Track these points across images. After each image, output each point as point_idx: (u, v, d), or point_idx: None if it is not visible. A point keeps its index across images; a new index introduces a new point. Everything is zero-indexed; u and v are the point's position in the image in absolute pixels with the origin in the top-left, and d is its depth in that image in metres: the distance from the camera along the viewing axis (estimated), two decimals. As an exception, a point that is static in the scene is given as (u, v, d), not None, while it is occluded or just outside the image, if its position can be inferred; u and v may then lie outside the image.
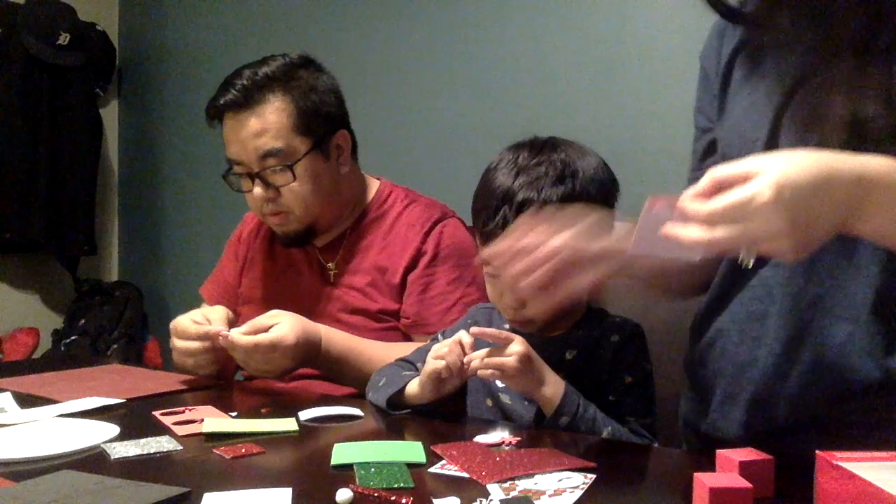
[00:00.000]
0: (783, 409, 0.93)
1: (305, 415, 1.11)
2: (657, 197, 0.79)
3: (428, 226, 1.54)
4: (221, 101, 1.46)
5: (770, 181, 0.69)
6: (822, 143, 0.79)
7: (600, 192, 1.11)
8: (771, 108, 0.92)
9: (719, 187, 0.72)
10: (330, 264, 1.57)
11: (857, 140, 0.81)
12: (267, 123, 1.45)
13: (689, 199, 0.74)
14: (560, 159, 1.10)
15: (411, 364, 1.24)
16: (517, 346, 1.04)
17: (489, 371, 1.04)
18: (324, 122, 1.50)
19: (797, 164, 0.71)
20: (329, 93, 1.53)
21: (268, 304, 1.49)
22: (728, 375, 1.00)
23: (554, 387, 1.06)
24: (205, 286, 1.72)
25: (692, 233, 0.74)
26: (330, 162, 1.52)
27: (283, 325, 1.31)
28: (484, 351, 1.05)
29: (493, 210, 1.09)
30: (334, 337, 1.39)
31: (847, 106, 0.83)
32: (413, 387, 1.13)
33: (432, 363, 1.08)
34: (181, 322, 1.40)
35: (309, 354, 1.34)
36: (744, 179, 0.71)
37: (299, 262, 1.60)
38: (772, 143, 0.92)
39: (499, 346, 1.05)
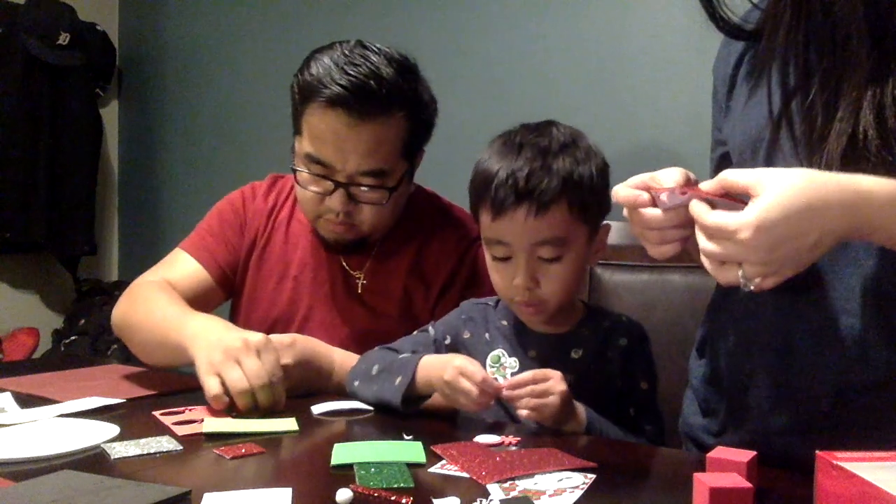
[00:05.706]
0: (783, 409, 0.92)
1: (318, 409, 1.13)
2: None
3: (463, 246, 1.45)
4: (347, 93, 1.24)
5: (752, 221, 0.73)
6: (820, 157, 0.83)
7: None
8: (769, 110, 0.92)
9: (724, 191, 0.78)
10: (357, 273, 1.45)
11: (852, 154, 0.82)
12: (382, 142, 1.29)
13: (697, 203, 0.80)
14: (561, 132, 1.18)
15: (395, 352, 1.19)
16: (560, 384, 1.01)
17: (526, 412, 1.01)
18: (423, 142, 1.37)
19: (785, 198, 0.73)
20: (432, 107, 1.38)
21: (290, 309, 1.44)
22: (729, 375, 1.00)
23: (579, 416, 1.05)
24: (192, 241, 1.53)
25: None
26: (411, 183, 1.43)
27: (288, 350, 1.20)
28: (527, 390, 1.01)
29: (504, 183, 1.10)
30: (349, 361, 1.27)
31: (847, 120, 0.83)
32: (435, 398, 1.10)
33: (460, 397, 1.03)
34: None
35: (310, 378, 1.24)
36: (744, 192, 0.76)
37: (319, 268, 1.46)
38: (773, 145, 0.92)
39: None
